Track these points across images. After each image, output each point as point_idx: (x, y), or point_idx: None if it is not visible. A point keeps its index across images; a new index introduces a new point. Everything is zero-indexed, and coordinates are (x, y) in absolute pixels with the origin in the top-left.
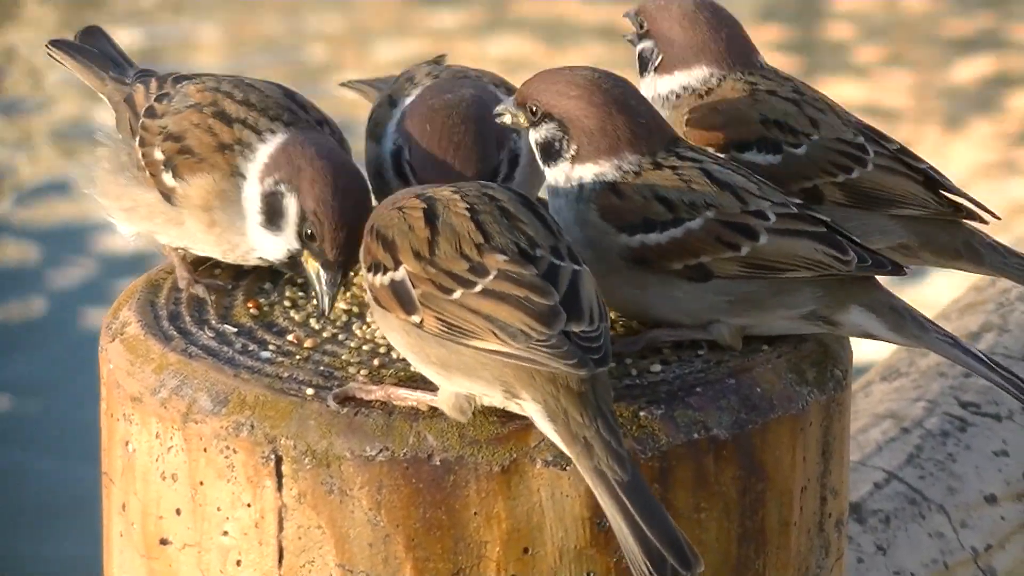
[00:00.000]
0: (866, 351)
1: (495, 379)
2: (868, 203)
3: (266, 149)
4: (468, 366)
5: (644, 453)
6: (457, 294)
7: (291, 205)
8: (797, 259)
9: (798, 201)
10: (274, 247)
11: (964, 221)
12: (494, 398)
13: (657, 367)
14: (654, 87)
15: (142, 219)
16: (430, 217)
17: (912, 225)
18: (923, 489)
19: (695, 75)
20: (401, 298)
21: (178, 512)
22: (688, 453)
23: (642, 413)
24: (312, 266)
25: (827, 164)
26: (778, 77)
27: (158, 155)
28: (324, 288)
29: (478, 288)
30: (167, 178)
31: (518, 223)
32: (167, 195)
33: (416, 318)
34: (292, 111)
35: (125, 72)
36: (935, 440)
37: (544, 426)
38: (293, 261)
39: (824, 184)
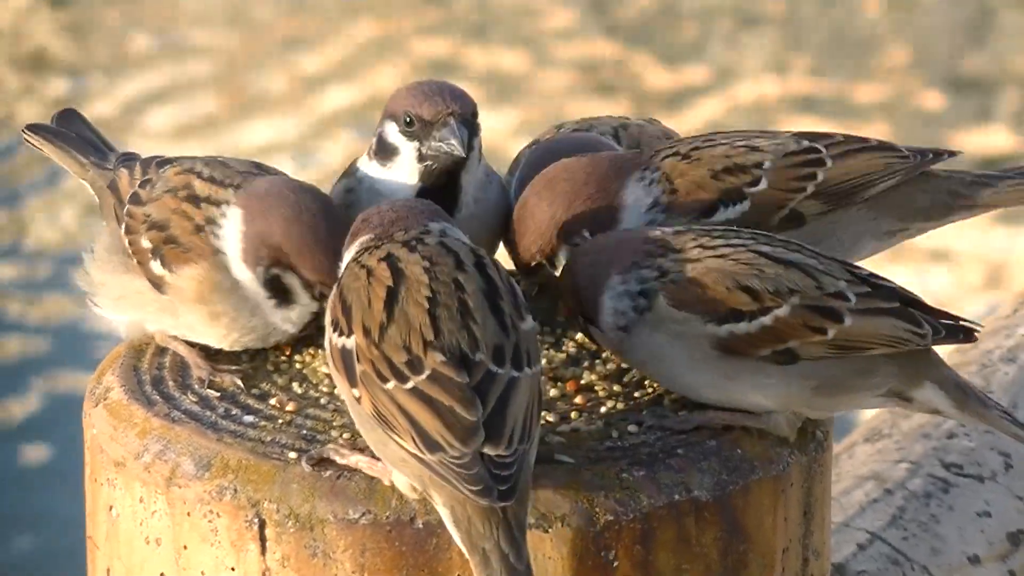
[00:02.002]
0: (847, 413)
1: (414, 475)
2: (845, 198)
3: (232, 226)
4: (394, 455)
5: (626, 515)
6: (390, 384)
7: (294, 283)
8: (880, 337)
9: (861, 270)
10: (298, 317)
11: (935, 170)
12: (414, 491)
13: (633, 428)
14: None
15: (131, 307)
16: (390, 299)
17: (893, 198)
18: (906, 550)
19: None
20: (347, 368)
21: None
22: (670, 515)
23: (624, 475)
24: None
25: (791, 183)
26: (682, 140)
27: (145, 243)
28: None
29: (409, 385)
30: (155, 267)
31: (470, 322)
32: (156, 283)
33: (356, 393)
34: (244, 173)
35: (106, 156)
36: (918, 501)
37: (451, 529)
38: (317, 317)
39: (798, 203)
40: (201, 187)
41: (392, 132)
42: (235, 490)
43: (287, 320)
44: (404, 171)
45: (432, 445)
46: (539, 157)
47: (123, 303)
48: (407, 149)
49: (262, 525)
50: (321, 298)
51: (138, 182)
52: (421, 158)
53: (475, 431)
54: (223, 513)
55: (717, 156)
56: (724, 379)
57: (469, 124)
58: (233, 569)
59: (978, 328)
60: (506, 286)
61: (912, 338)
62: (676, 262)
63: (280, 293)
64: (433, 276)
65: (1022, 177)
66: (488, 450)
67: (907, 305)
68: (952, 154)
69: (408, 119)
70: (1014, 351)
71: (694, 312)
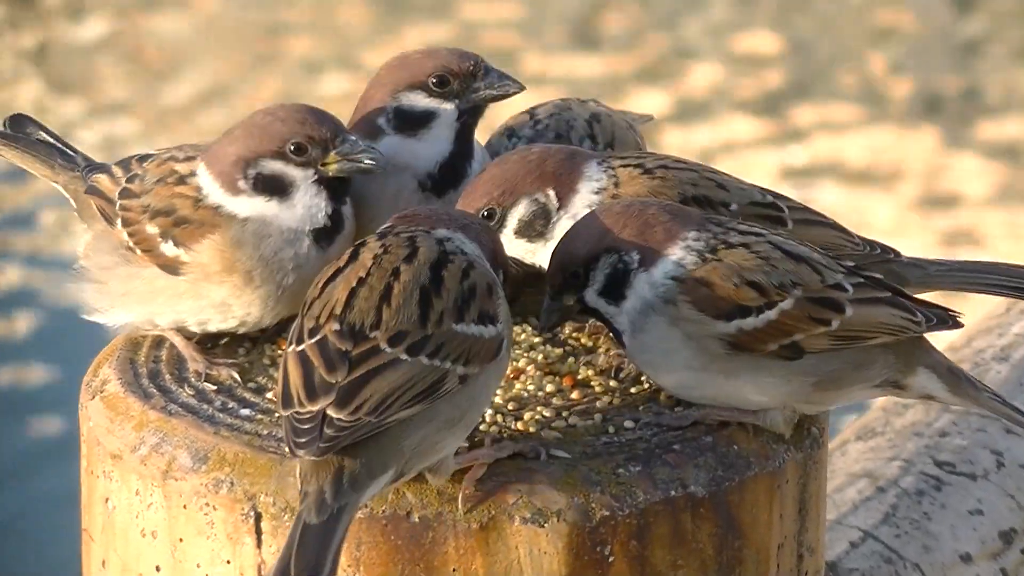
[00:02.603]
0: (842, 410)
1: None
2: None
3: (204, 174)
4: None
5: (622, 510)
6: (291, 347)
7: (278, 166)
8: (880, 326)
9: (851, 264)
10: (305, 203)
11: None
12: None
13: (630, 423)
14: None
15: (138, 302)
16: (331, 278)
17: None
18: (899, 548)
19: (592, 186)
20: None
21: (158, 569)
22: (665, 510)
23: (620, 470)
24: None
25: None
26: (651, 154)
27: (151, 229)
28: None
29: (300, 347)
30: (168, 248)
31: (384, 304)
32: (170, 266)
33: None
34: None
35: (72, 159)
36: (911, 499)
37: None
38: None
39: None
40: (182, 167)
41: (420, 99)
42: (231, 483)
43: (294, 216)
44: (439, 136)
45: (287, 401)
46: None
47: (128, 299)
48: (444, 111)
49: (258, 518)
50: (299, 154)
51: (124, 179)
52: (460, 115)
53: (326, 391)
54: (219, 506)
55: (685, 181)
56: (726, 377)
57: None
58: (229, 562)
59: (960, 316)
60: (463, 292)
61: (909, 325)
62: (707, 253)
63: (270, 185)
64: (377, 263)
65: (947, 266)
66: (331, 411)
67: (896, 293)
68: (897, 255)
69: (438, 79)
70: (1007, 350)
71: (706, 311)
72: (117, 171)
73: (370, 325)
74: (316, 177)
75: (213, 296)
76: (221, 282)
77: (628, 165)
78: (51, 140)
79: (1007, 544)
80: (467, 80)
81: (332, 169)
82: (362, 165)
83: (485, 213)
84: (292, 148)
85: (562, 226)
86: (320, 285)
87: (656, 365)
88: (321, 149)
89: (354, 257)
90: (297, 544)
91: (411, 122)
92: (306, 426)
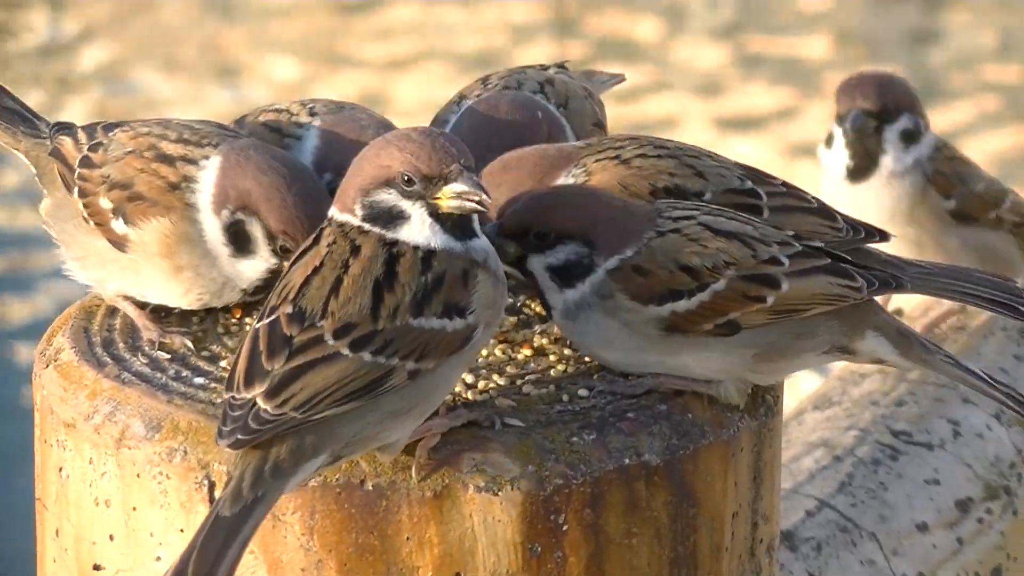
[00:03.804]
0: (797, 379)
1: None
2: None
3: (208, 177)
4: None
5: (576, 478)
6: (254, 322)
7: (255, 229)
8: (817, 297)
9: (791, 232)
10: (252, 271)
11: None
12: None
13: (584, 391)
14: None
15: (93, 267)
16: (298, 257)
17: None
18: (855, 517)
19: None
20: None
21: (111, 538)
22: (619, 478)
23: (574, 439)
24: None
25: None
26: (632, 139)
27: (104, 203)
28: None
29: (258, 324)
30: (117, 225)
31: (332, 296)
32: (118, 243)
33: None
34: (223, 136)
35: (35, 125)
36: (867, 468)
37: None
38: (273, 278)
39: None
40: (173, 148)
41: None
42: (185, 452)
43: (240, 276)
44: None
45: (230, 383)
46: (478, 122)
47: (86, 263)
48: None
49: (211, 487)
50: (283, 253)
51: (86, 146)
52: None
53: (262, 378)
54: (172, 475)
55: (662, 170)
56: (668, 356)
57: None
58: (182, 531)
59: (909, 279)
60: (424, 284)
61: (849, 293)
62: (635, 253)
63: (239, 241)
64: (329, 253)
65: (925, 269)
66: (260, 401)
67: (837, 260)
68: (884, 237)
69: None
70: (963, 319)
71: (641, 299)
72: (81, 136)
73: (317, 314)
74: (275, 250)
75: (147, 275)
76: (155, 263)
77: (604, 158)
78: (16, 107)
79: (964, 513)
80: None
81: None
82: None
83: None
84: (271, 237)
85: None
86: (289, 264)
87: (593, 348)
88: (291, 242)
89: (316, 240)
90: (203, 539)
91: None
92: (236, 413)
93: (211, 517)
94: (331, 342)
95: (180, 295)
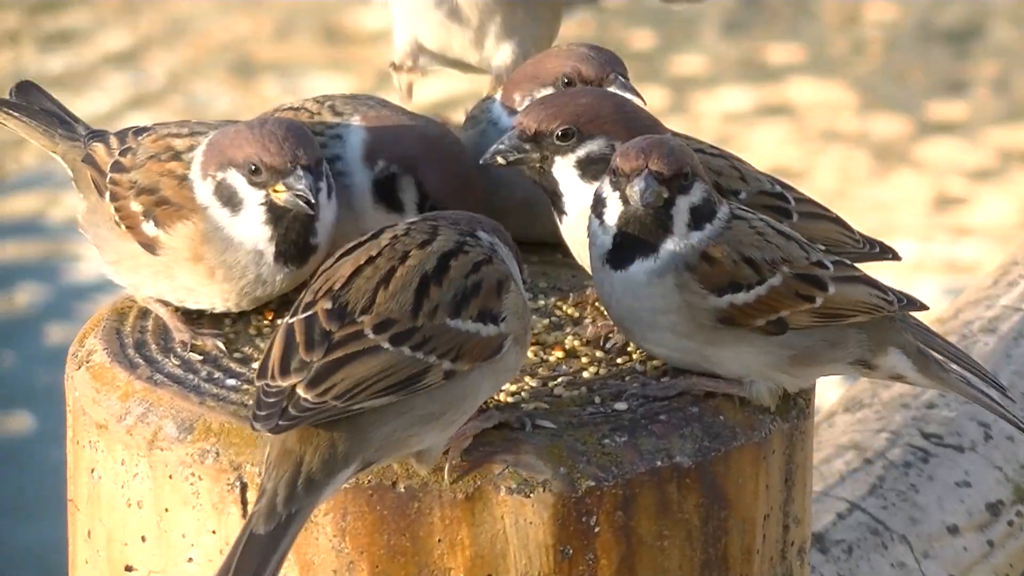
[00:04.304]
0: (828, 383)
1: None
2: None
3: (195, 160)
4: None
5: (607, 480)
6: (287, 318)
7: (239, 181)
8: (858, 304)
9: (822, 247)
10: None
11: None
12: None
13: (622, 405)
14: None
15: (127, 271)
16: (345, 253)
17: None
18: (886, 520)
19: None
20: None
21: (143, 539)
22: (651, 480)
23: (606, 440)
24: None
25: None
26: (687, 138)
27: (135, 207)
28: None
29: (291, 320)
30: (148, 227)
31: (381, 288)
32: (149, 245)
33: None
34: (214, 126)
35: (72, 128)
36: (898, 471)
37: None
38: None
39: None
40: (182, 143)
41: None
42: (217, 453)
43: (243, 231)
44: None
45: (263, 371)
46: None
47: (120, 267)
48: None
49: (243, 488)
50: (272, 186)
51: (117, 151)
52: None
53: (300, 369)
54: (205, 476)
55: (713, 168)
56: (709, 346)
57: None
58: (214, 532)
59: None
60: (465, 287)
61: (884, 305)
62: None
63: (225, 199)
64: (392, 245)
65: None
66: (300, 390)
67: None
68: (896, 256)
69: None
70: (994, 322)
71: (707, 287)
72: (113, 142)
73: (361, 308)
74: (265, 200)
75: (182, 279)
76: (189, 269)
77: None
78: (55, 109)
79: (994, 516)
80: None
81: (280, 198)
82: (300, 204)
83: (560, 132)
84: (250, 168)
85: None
86: (336, 257)
87: (642, 320)
88: (273, 176)
89: (374, 236)
90: (238, 559)
91: None
92: (271, 399)
93: (245, 535)
94: (371, 336)
95: (223, 297)
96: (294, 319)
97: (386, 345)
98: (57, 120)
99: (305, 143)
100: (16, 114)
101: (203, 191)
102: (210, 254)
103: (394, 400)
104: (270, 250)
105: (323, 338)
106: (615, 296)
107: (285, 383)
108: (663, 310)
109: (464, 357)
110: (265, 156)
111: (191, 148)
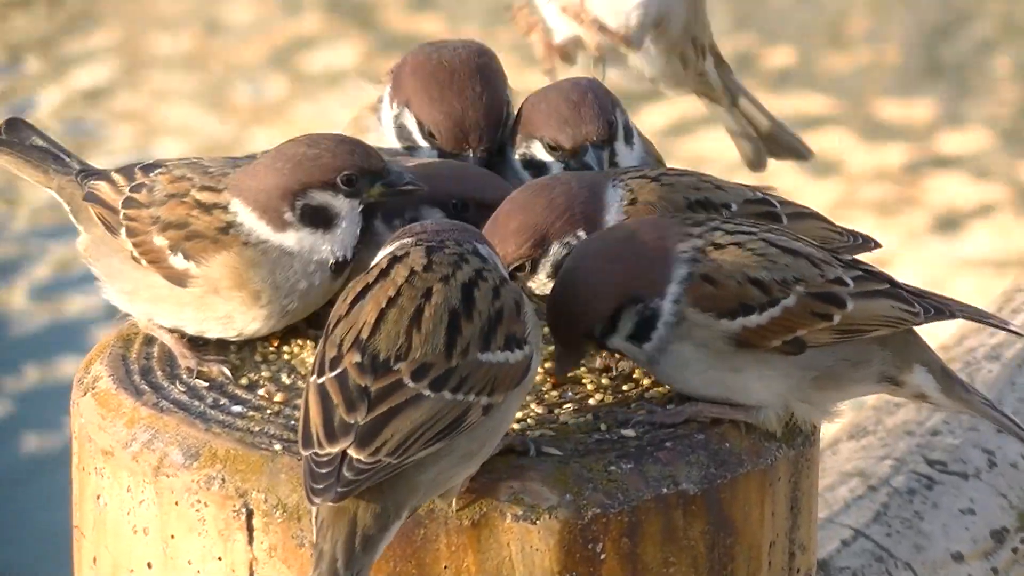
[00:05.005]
0: None
1: None
2: None
3: (242, 207)
4: None
5: (613, 507)
6: (312, 378)
7: (317, 197)
8: (879, 319)
9: (847, 258)
10: (331, 244)
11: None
12: None
13: (629, 432)
14: None
15: (144, 302)
16: (360, 295)
17: None
18: (890, 547)
19: (615, 208)
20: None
21: (149, 566)
22: (657, 507)
23: (612, 467)
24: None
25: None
26: (646, 165)
27: (159, 241)
28: None
29: (320, 380)
30: (176, 261)
31: (414, 330)
32: (177, 278)
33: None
34: (227, 174)
35: (66, 164)
36: (902, 498)
37: (310, 521)
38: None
39: None
40: (206, 197)
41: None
42: (223, 480)
43: (332, 247)
44: None
45: (308, 440)
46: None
47: (134, 298)
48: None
49: (249, 515)
50: (367, 191)
51: (127, 188)
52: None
53: (346, 432)
54: (211, 503)
55: (688, 185)
56: (733, 373)
57: None
58: (220, 559)
59: (956, 307)
60: (491, 316)
61: (908, 317)
62: (698, 256)
63: (314, 219)
64: (410, 281)
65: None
66: (352, 452)
67: (894, 286)
68: (877, 245)
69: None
70: (998, 349)
71: (711, 312)
72: (119, 179)
73: (396, 355)
74: (360, 208)
75: (218, 309)
76: (229, 297)
77: (636, 177)
78: (46, 145)
79: (999, 543)
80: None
81: (374, 195)
82: (406, 188)
83: (515, 267)
84: (343, 179)
85: None
86: (348, 302)
87: (673, 378)
88: (369, 181)
89: (385, 274)
90: None
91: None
92: (325, 470)
93: None
94: (411, 385)
95: (263, 320)
96: (324, 378)
97: (427, 392)
98: (50, 156)
99: (370, 149)
100: (8, 151)
101: (281, 235)
102: (256, 278)
103: (442, 445)
104: (330, 262)
105: (361, 395)
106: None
107: (334, 448)
108: (683, 362)
109: (498, 389)
110: (362, 163)
111: (219, 206)
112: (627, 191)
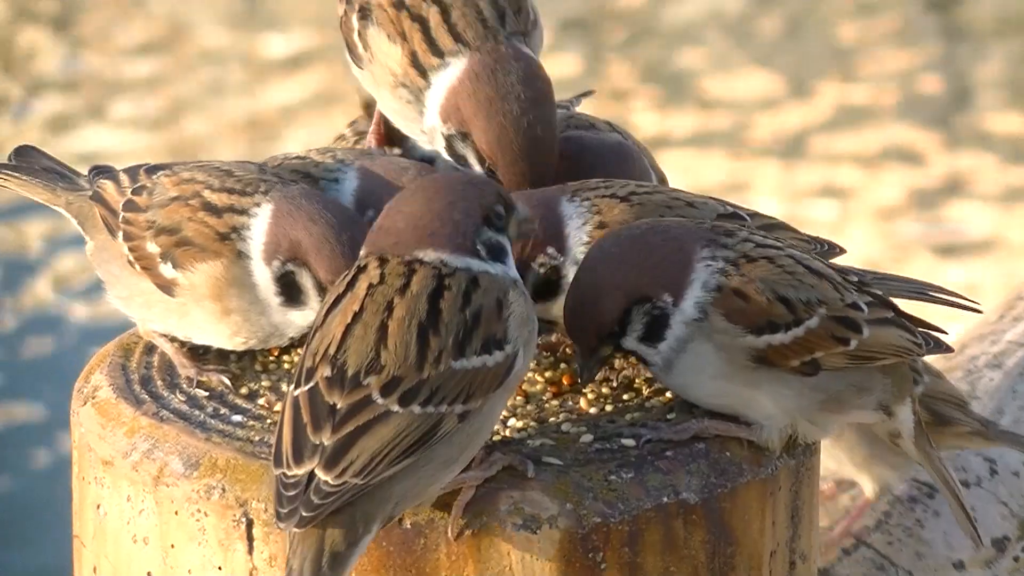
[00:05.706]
0: None
1: None
2: None
3: (259, 226)
4: None
5: (614, 517)
6: (292, 387)
7: (307, 282)
8: (890, 348)
9: (854, 278)
10: (302, 320)
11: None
12: None
13: (630, 441)
14: None
15: (138, 307)
16: (332, 306)
17: None
18: (891, 555)
19: (577, 223)
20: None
21: (149, 575)
22: (657, 517)
23: (612, 477)
24: None
25: None
26: (610, 181)
27: (152, 248)
28: None
29: (296, 392)
30: (165, 269)
31: (382, 347)
32: (165, 286)
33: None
34: (267, 181)
35: (74, 182)
36: (903, 506)
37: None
38: None
39: None
40: (218, 198)
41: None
42: (223, 489)
43: (289, 324)
44: None
45: (278, 460)
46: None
47: (131, 303)
48: None
49: (250, 524)
50: None
51: (129, 189)
52: None
53: (313, 453)
54: (211, 512)
55: (659, 204)
56: (747, 388)
57: None
58: (220, 568)
59: (950, 345)
60: (464, 322)
61: (914, 348)
62: (729, 269)
63: (290, 291)
64: (371, 294)
65: (880, 277)
66: (319, 473)
67: (897, 314)
68: (842, 251)
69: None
70: (1000, 357)
71: (741, 325)
72: (124, 179)
73: (364, 370)
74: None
75: (195, 317)
76: (204, 306)
77: (602, 196)
78: (54, 166)
79: (1000, 551)
80: None
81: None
82: None
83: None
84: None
85: (571, 272)
86: (324, 312)
87: (687, 384)
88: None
89: (351, 285)
90: None
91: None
92: (291, 492)
93: None
94: (380, 401)
95: (227, 337)
96: (299, 391)
97: (395, 408)
98: (57, 175)
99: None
100: (16, 175)
101: (261, 272)
102: (232, 296)
103: (413, 461)
104: (296, 324)
105: (329, 413)
106: (675, 390)
107: (301, 470)
108: (700, 366)
109: (475, 395)
110: (328, 266)
111: (233, 209)
112: (592, 212)
